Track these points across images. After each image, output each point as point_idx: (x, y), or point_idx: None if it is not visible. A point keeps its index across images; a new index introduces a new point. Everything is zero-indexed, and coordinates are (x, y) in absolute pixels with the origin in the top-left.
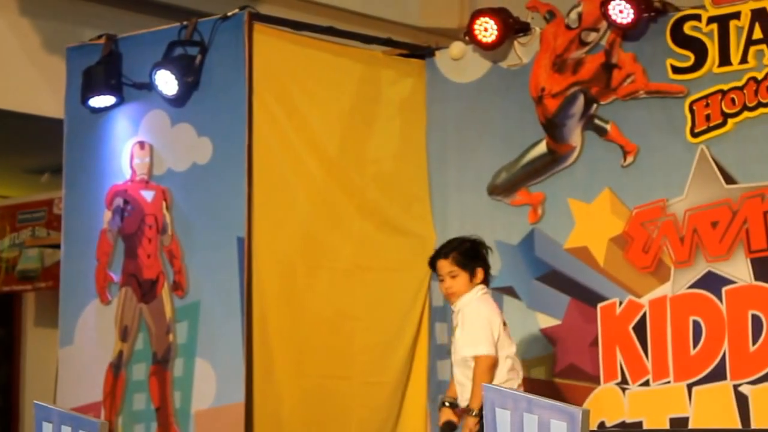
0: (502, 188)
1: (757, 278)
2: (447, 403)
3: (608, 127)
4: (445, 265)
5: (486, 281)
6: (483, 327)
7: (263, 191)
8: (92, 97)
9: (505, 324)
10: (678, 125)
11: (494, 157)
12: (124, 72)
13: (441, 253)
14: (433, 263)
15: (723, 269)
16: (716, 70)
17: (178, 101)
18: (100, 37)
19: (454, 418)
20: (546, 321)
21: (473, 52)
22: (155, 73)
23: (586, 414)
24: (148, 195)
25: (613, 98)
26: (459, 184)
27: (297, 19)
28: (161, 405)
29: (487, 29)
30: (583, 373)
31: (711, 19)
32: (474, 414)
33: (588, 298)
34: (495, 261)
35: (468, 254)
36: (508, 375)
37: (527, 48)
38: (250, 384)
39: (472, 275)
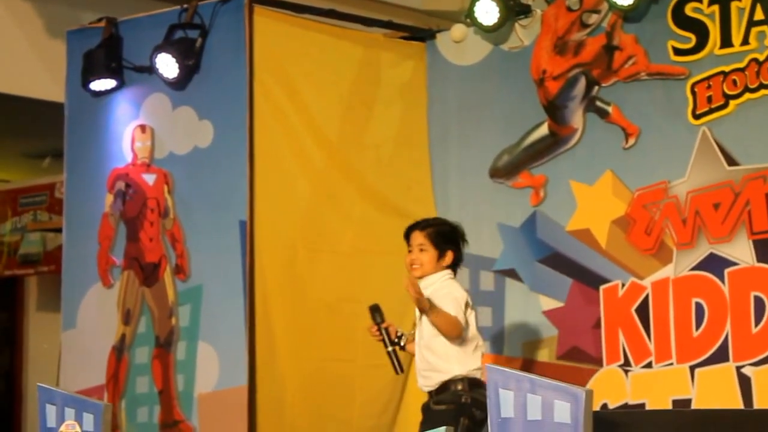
0: (504, 171)
1: (759, 260)
2: (387, 329)
3: (610, 109)
4: (418, 237)
5: (454, 269)
6: (453, 300)
7: (264, 174)
8: (93, 80)
9: (474, 311)
10: (679, 107)
11: (496, 140)
12: (124, 55)
13: (419, 225)
14: (408, 233)
15: (725, 251)
16: (718, 51)
17: (179, 84)
18: (100, 20)
19: (391, 329)
20: (548, 303)
21: (474, 34)
22: (156, 57)
23: (589, 394)
24: (149, 178)
25: (614, 80)
26: (460, 167)
27: (297, 1)
28: (164, 388)
29: (488, 11)
30: (586, 355)
31: (712, 1)
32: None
33: (590, 280)
34: (497, 243)
35: (443, 234)
36: (480, 363)
37: (528, 30)
38: (252, 367)
39: (441, 256)
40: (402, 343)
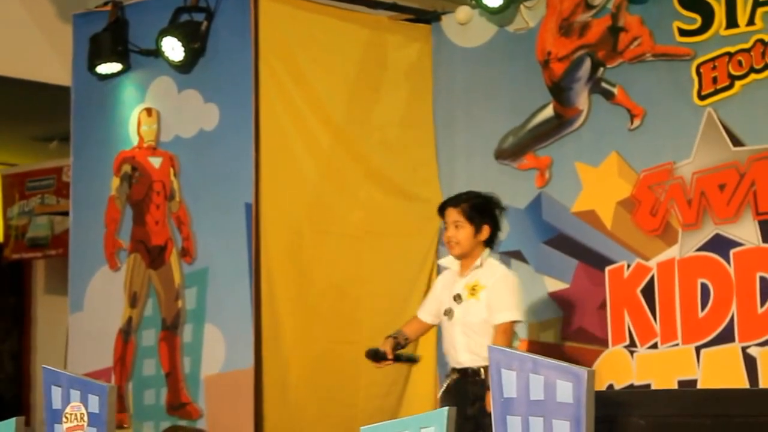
0: (509, 152)
1: (764, 240)
2: (394, 337)
3: (615, 90)
4: (452, 214)
5: (492, 242)
6: (517, 292)
7: (270, 157)
8: (99, 64)
9: None
10: (685, 88)
11: (501, 122)
12: (130, 39)
13: (452, 201)
14: (442, 210)
15: (731, 231)
16: (723, 32)
17: (185, 67)
18: (106, 3)
19: (387, 350)
20: (554, 284)
21: (479, 16)
22: (161, 40)
23: (591, 374)
24: (155, 161)
25: (619, 61)
26: (466, 149)
27: None
28: (171, 370)
29: None
30: (592, 336)
31: None
32: None
33: (596, 261)
34: (503, 225)
35: (477, 208)
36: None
37: (533, 12)
38: (258, 349)
39: (478, 230)
40: (405, 344)
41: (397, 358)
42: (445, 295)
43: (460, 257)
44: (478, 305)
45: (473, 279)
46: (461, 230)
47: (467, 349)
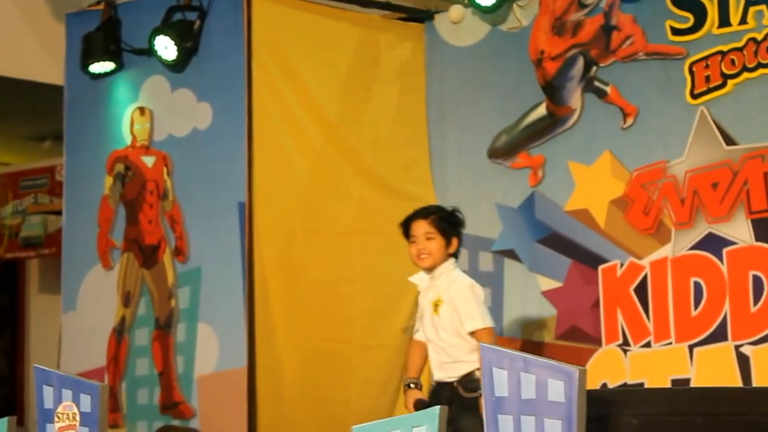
0: (502, 151)
1: (757, 239)
2: (412, 385)
3: (608, 89)
4: (422, 226)
5: (455, 256)
6: (473, 298)
7: (263, 156)
8: (92, 63)
9: None
10: (678, 87)
11: (494, 120)
12: (123, 38)
13: (420, 213)
14: (408, 224)
15: (724, 230)
16: (716, 31)
17: (178, 67)
18: (99, 2)
19: (422, 396)
20: (547, 283)
21: (472, 15)
22: (154, 39)
23: (582, 373)
24: (148, 161)
25: (612, 60)
26: (459, 148)
27: None
28: (164, 370)
29: None
30: (585, 335)
31: None
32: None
33: (589, 260)
34: (496, 224)
35: (448, 220)
36: None
37: (526, 10)
38: (251, 348)
39: (448, 243)
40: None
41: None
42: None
43: (430, 269)
44: (441, 322)
45: (435, 295)
46: (432, 242)
47: (439, 366)
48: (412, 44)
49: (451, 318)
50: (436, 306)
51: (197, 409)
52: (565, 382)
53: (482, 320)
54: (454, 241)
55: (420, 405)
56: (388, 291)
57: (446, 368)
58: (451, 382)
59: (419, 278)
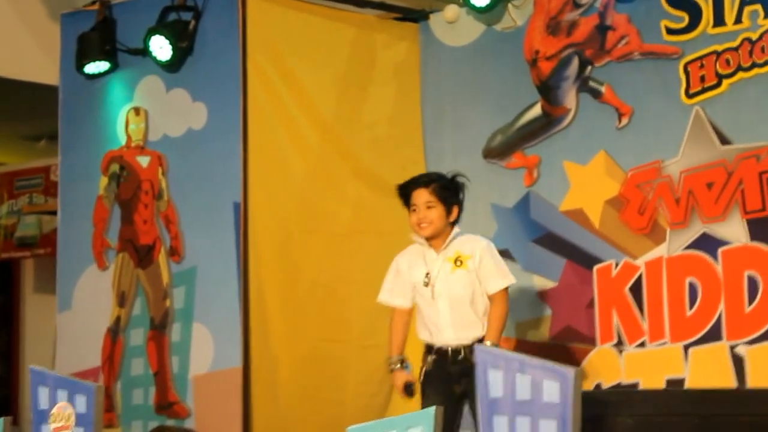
0: (498, 151)
1: (752, 239)
2: (400, 365)
3: (603, 89)
4: (423, 194)
5: (457, 223)
6: (502, 266)
7: (258, 156)
8: (87, 63)
9: None
10: (672, 86)
11: (489, 120)
12: (118, 38)
13: (420, 181)
14: (408, 191)
15: (718, 230)
16: (711, 30)
17: (173, 67)
18: (94, 2)
19: (410, 379)
20: (542, 283)
21: (467, 15)
22: (149, 39)
23: (578, 374)
24: (143, 161)
25: (607, 60)
26: (454, 147)
27: None
28: (159, 370)
29: None
30: (580, 335)
31: None
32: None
33: (584, 260)
34: (491, 224)
35: (448, 188)
36: None
37: (521, 10)
38: (246, 348)
39: (449, 211)
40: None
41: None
42: (417, 274)
43: (430, 238)
44: (468, 276)
45: (452, 252)
46: (433, 210)
47: (452, 325)
48: (407, 44)
49: (470, 274)
50: (458, 261)
51: (192, 409)
52: (561, 382)
53: (509, 278)
54: (455, 209)
55: (408, 388)
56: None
57: (463, 326)
58: (459, 348)
59: (420, 242)
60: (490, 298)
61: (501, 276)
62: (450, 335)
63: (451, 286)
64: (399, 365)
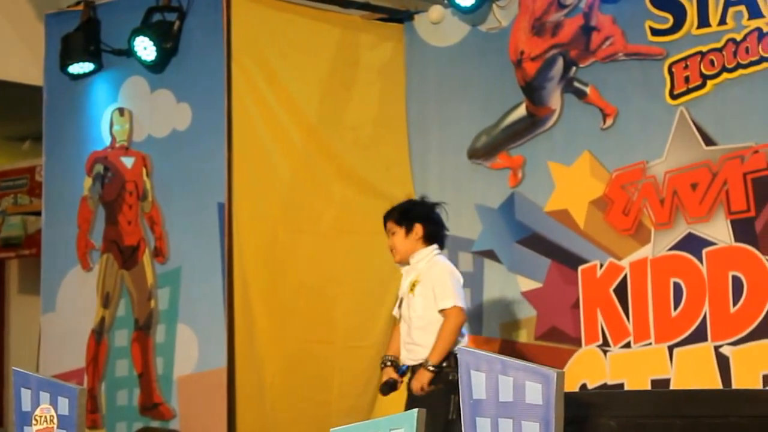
0: (482, 152)
1: (737, 239)
2: (388, 363)
3: (587, 89)
4: (389, 225)
5: (433, 240)
6: (452, 281)
7: (243, 156)
8: (71, 63)
9: None
10: (657, 87)
11: (474, 121)
12: (102, 38)
13: (387, 213)
14: (384, 225)
15: (703, 231)
16: (695, 31)
17: (157, 67)
18: (78, 3)
19: (395, 377)
20: (527, 284)
21: (452, 15)
22: (134, 40)
23: (560, 376)
24: (128, 161)
25: (592, 61)
26: (439, 148)
27: None
28: (144, 371)
29: None
30: (565, 335)
31: None
32: (431, 368)
33: (569, 260)
34: (475, 224)
35: (403, 212)
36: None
37: (506, 11)
38: (231, 349)
39: (408, 231)
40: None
41: (403, 374)
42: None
43: (401, 263)
44: (415, 301)
45: (414, 276)
46: (396, 236)
47: (404, 346)
48: (392, 45)
49: (425, 299)
50: (413, 286)
51: (177, 410)
52: (543, 384)
53: (456, 299)
54: (416, 227)
55: (387, 386)
56: (370, 291)
57: (407, 349)
58: (413, 366)
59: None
60: (442, 315)
61: (442, 298)
62: (403, 355)
63: (407, 311)
64: (387, 363)
